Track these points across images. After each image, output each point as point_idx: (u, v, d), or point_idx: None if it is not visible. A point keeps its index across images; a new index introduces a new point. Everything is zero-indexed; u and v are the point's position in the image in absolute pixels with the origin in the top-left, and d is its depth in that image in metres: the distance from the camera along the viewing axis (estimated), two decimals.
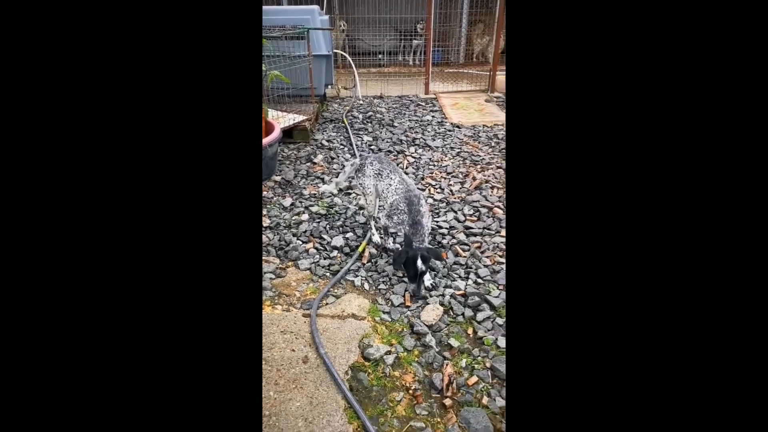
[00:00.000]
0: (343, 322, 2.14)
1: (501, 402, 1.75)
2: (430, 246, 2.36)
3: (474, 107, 5.63)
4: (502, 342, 2.04)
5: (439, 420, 1.68)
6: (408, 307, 2.28)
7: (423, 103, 5.86)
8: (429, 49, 6.32)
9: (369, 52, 8.41)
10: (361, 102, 5.95)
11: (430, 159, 4.05)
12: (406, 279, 2.50)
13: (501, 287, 2.41)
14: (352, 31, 8.37)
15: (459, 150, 4.25)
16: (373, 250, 2.74)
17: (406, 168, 3.87)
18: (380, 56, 8.52)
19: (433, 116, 5.29)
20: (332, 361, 1.88)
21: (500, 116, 5.25)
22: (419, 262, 2.16)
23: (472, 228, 2.95)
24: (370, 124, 5.00)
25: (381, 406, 1.73)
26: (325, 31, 5.17)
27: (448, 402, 1.75)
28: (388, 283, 2.46)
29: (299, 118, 4.41)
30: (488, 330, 2.12)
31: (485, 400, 1.76)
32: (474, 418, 1.66)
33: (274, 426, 1.60)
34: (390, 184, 2.48)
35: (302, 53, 4.56)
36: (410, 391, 1.80)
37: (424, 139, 4.51)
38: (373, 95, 6.27)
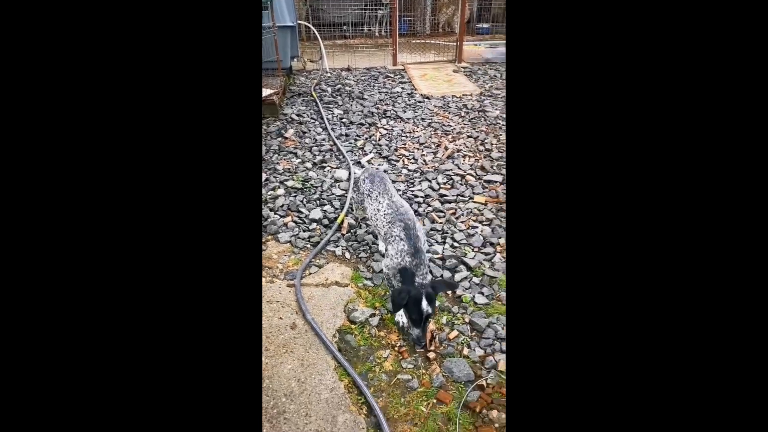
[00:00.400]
0: (327, 290, 2.21)
1: (480, 351, 1.89)
2: (437, 279, 1.90)
3: (443, 78, 5.66)
4: (479, 299, 2.17)
5: (424, 371, 1.80)
6: None
7: (392, 75, 5.82)
8: (395, 19, 6.22)
9: (333, 23, 8.16)
10: (329, 75, 5.83)
11: (402, 130, 4.08)
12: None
13: (476, 249, 2.54)
14: (315, 1, 8.07)
15: (430, 121, 4.30)
16: (352, 221, 2.79)
17: (379, 140, 3.89)
18: (345, 27, 8.28)
19: (402, 88, 5.28)
20: (320, 326, 1.95)
21: (468, 86, 5.31)
22: (424, 304, 1.72)
23: (446, 195, 3.04)
24: (339, 97, 4.93)
25: (369, 363, 1.82)
26: (288, 0, 4.98)
27: (431, 355, 1.87)
28: (369, 252, 2.53)
29: (266, 92, 4.30)
30: (466, 288, 2.24)
31: (465, 351, 1.89)
32: (456, 367, 1.79)
33: (268, 388, 1.67)
34: (378, 209, 2.14)
35: (266, 24, 4.39)
36: (396, 348, 1.90)
37: (395, 111, 4.52)
38: (340, 68, 6.15)
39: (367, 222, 2.66)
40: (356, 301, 2.14)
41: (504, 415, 1.62)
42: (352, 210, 2.81)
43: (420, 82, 5.46)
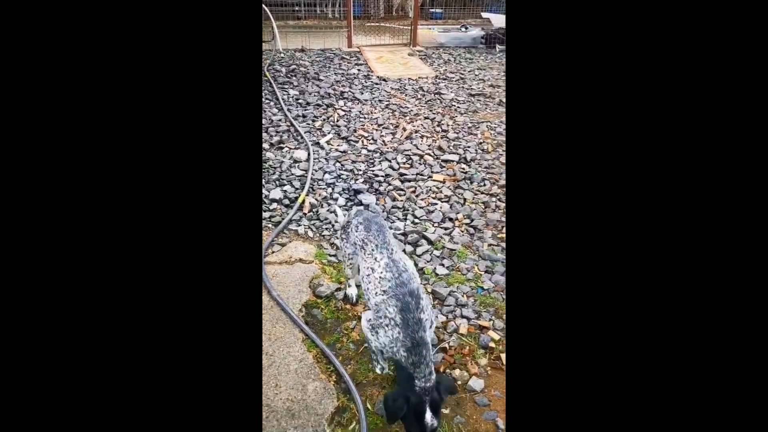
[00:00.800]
0: (291, 267, 2.20)
1: (442, 318, 1.98)
2: (441, 377, 1.39)
3: (398, 61, 5.68)
4: (440, 270, 2.26)
5: None
6: None
7: (347, 57, 5.75)
8: (349, 0, 6.13)
9: (284, 3, 7.87)
10: (282, 55, 5.66)
11: (360, 112, 4.08)
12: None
13: (436, 225, 2.63)
14: None
15: (387, 102, 4.33)
16: (314, 201, 2.77)
17: (338, 121, 3.86)
18: (297, 8, 8.03)
19: (359, 70, 5.25)
20: (285, 302, 1.95)
21: (424, 69, 5.38)
22: (428, 416, 1.28)
23: (406, 174, 3.10)
24: (294, 78, 4.82)
25: (337, 334, 1.86)
26: None
27: None
28: (332, 230, 2.54)
29: None
30: (427, 261, 2.33)
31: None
32: None
33: None
34: (372, 269, 1.52)
35: None
36: None
37: (353, 93, 4.49)
38: (294, 48, 5.98)
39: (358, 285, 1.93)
40: (321, 277, 2.16)
41: (466, 374, 1.73)
42: (343, 263, 1.95)
43: (376, 65, 5.46)
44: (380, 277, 1.48)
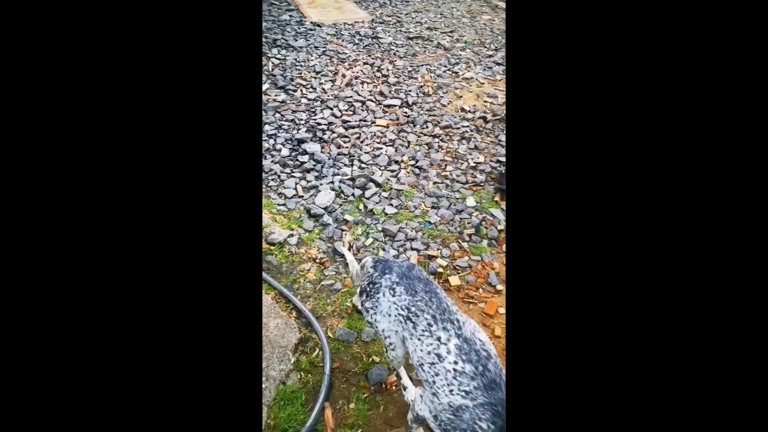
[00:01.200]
0: None
1: (393, 252, 2.09)
2: None
3: (332, 5, 5.40)
4: (389, 209, 2.35)
5: (345, 275, 1.95)
6: (302, 196, 2.40)
7: (277, 2, 5.36)
8: None
9: None
10: None
11: (295, 60, 3.90)
12: (295, 174, 2.57)
13: (382, 168, 2.68)
14: None
15: (324, 49, 4.16)
16: None
17: (272, 70, 3.67)
18: None
19: (290, 16, 4.94)
20: None
21: (359, 13, 5.18)
22: None
23: (349, 121, 3.08)
24: None
25: (293, 276, 1.91)
26: None
27: None
28: (278, 180, 2.51)
29: None
30: (376, 203, 2.40)
31: (381, 253, 2.08)
32: None
33: None
34: (438, 356, 1.08)
35: None
36: (317, 261, 2.01)
37: (286, 40, 4.26)
38: None
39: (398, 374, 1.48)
40: (272, 226, 2.16)
41: None
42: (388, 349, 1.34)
43: (308, 10, 5.16)
44: (454, 370, 1.04)
